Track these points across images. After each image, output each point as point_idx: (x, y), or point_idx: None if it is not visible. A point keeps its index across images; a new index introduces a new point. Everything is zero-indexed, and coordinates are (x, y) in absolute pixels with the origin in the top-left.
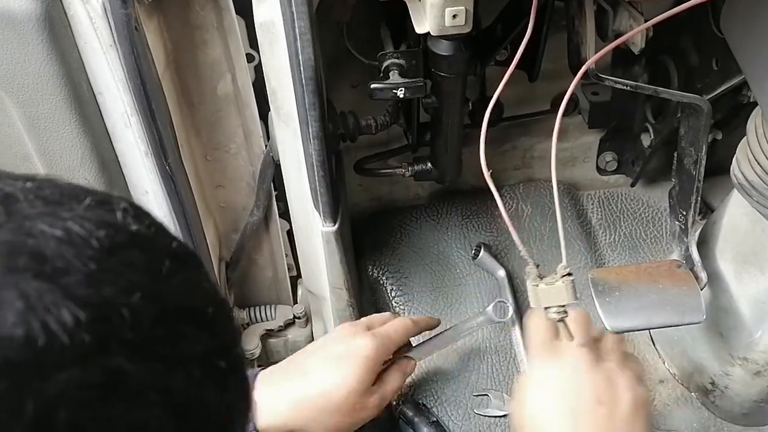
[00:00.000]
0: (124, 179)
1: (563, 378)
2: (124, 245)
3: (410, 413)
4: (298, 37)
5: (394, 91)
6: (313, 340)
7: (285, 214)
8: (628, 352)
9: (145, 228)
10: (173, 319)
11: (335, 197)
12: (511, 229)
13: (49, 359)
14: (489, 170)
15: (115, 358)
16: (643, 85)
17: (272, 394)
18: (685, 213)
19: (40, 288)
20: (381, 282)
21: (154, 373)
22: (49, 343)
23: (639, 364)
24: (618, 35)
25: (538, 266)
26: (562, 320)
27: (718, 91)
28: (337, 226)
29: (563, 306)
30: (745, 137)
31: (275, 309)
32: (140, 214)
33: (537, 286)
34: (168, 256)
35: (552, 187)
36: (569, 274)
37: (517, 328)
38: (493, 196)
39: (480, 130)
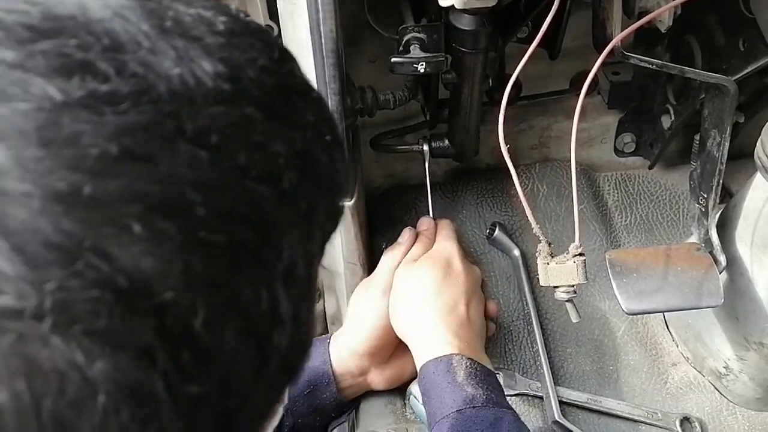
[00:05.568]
0: None
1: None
2: (243, 30)
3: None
4: (319, 9)
5: (415, 65)
6: (325, 315)
7: None
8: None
9: (255, 24)
10: (287, 91)
11: (351, 172)
12: (525, 205)
13: (198, 96)
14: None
15: (247, 108)
16: (669, 64)
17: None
18: (705, 196)
19: (186, 45)
20: None
21: (277, 126)
22: (197, 84)
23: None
24: (644, 13)
25: (550, 244)
26: (570, 300)
27: (744, 72)
28: (353, 201)
29: (573, 286)
30: None
31: None
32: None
33: (548, 264)
34: (277, 46)
35: (568, 167)
36: (581, 254)
37: (532, 309)
38: (508, 175)
39: (497, 108)
